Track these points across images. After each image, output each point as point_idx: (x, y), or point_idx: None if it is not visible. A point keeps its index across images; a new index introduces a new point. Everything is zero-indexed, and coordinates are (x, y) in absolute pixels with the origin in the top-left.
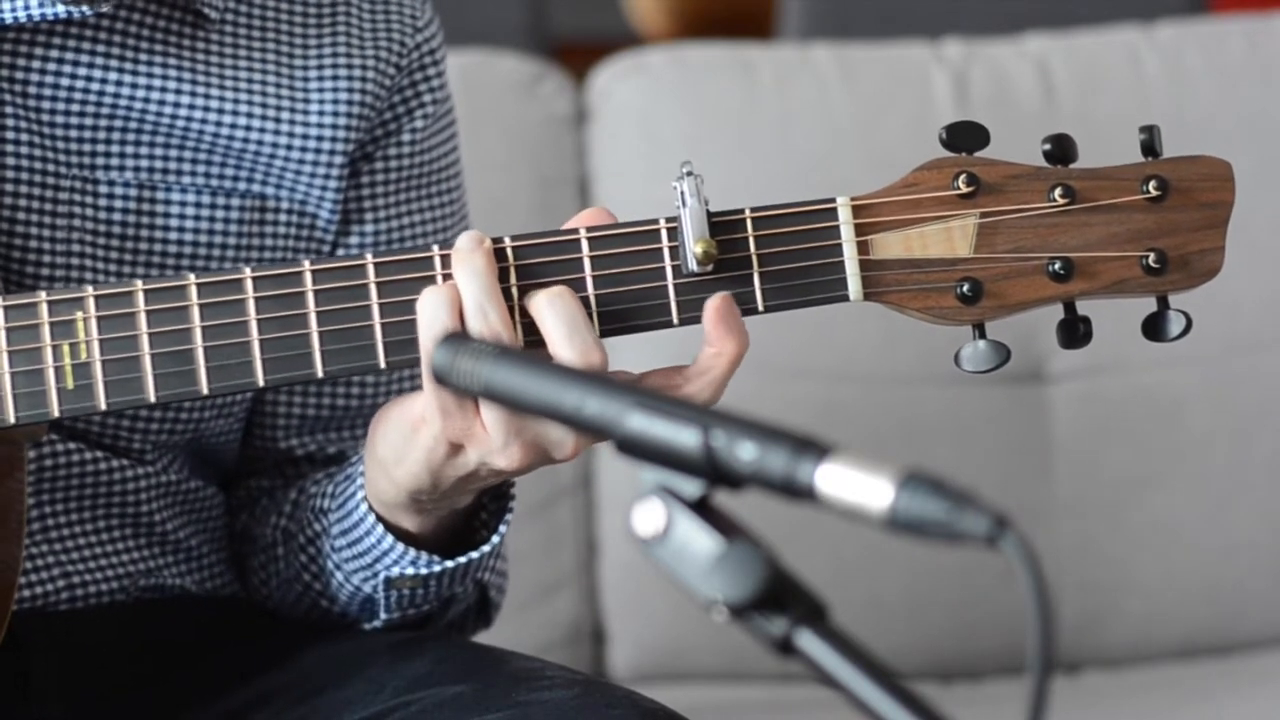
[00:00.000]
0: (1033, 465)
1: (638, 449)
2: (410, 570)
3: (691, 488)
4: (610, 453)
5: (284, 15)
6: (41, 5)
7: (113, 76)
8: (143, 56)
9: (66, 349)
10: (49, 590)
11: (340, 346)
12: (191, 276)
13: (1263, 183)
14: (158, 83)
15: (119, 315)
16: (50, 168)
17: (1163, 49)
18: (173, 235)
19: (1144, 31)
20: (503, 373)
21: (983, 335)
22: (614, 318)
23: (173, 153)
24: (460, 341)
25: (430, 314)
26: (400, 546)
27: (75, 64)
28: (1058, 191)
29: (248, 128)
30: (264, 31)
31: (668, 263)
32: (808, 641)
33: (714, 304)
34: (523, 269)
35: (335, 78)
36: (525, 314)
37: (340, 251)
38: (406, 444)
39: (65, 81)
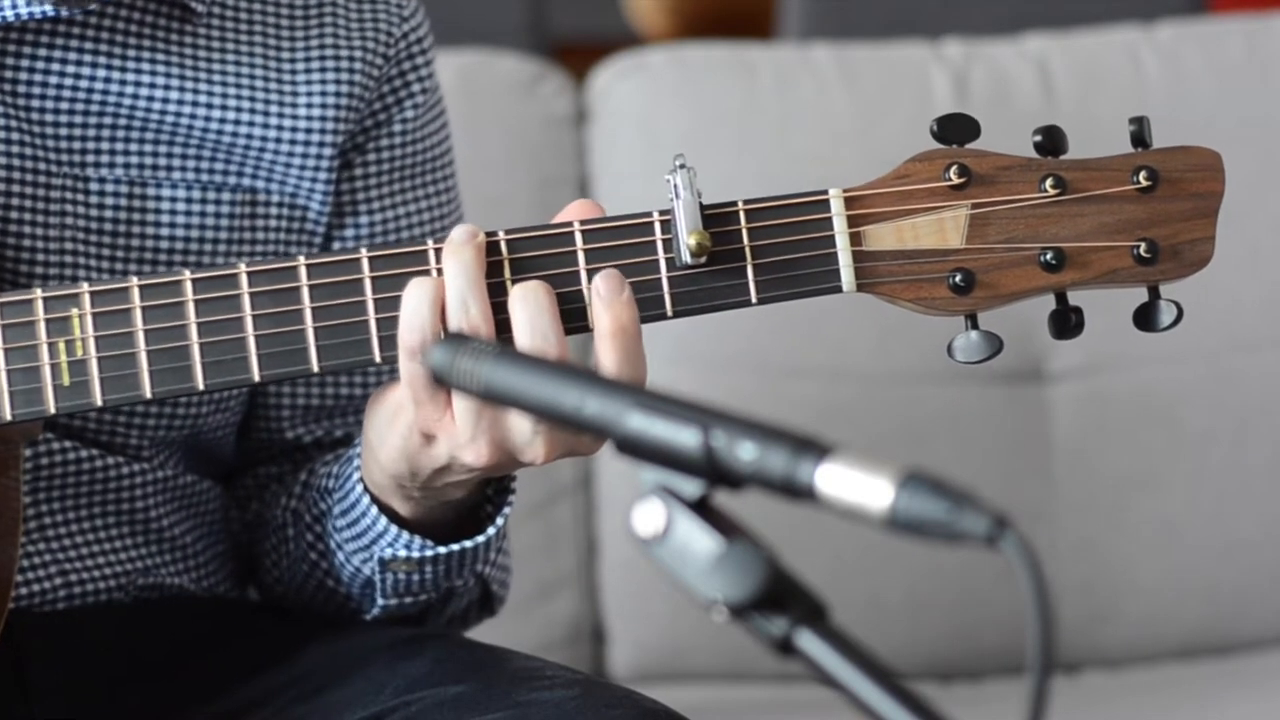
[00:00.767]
0: (1032, 465)
1: (638, 449)
2: (404, 553)
3: (691, 488)
4: (610, 453)
5: (270, 8)
6: (29, 3)
7: (101, 74)
8: (131, 53)
9: (62, 346)
10: (46, 589)
11: (335, 341)
12: (186, 273)
13: (1263, 183)
14: (146, 79)
15: (114, 312)
16: (41, 166)
17: (1163, 49)
18: (164, 231)
19: (1144, 31)
20: (502, 372)
21: (975, 326)
22: None
23: (162, 149)
24: (460, 341)
25: (411, 305)
26: (394, 529)
27: (64, 62)
28: (1049, 182)
29: (236, 122)
30: (250, 25)
31: (661, 255)
32: (808, 641)
33: (596, 281)
34: (516, 262)
35: (323, 70)
36: None
37: (335, 244)
38: (386, 430)
39: (54, 80)
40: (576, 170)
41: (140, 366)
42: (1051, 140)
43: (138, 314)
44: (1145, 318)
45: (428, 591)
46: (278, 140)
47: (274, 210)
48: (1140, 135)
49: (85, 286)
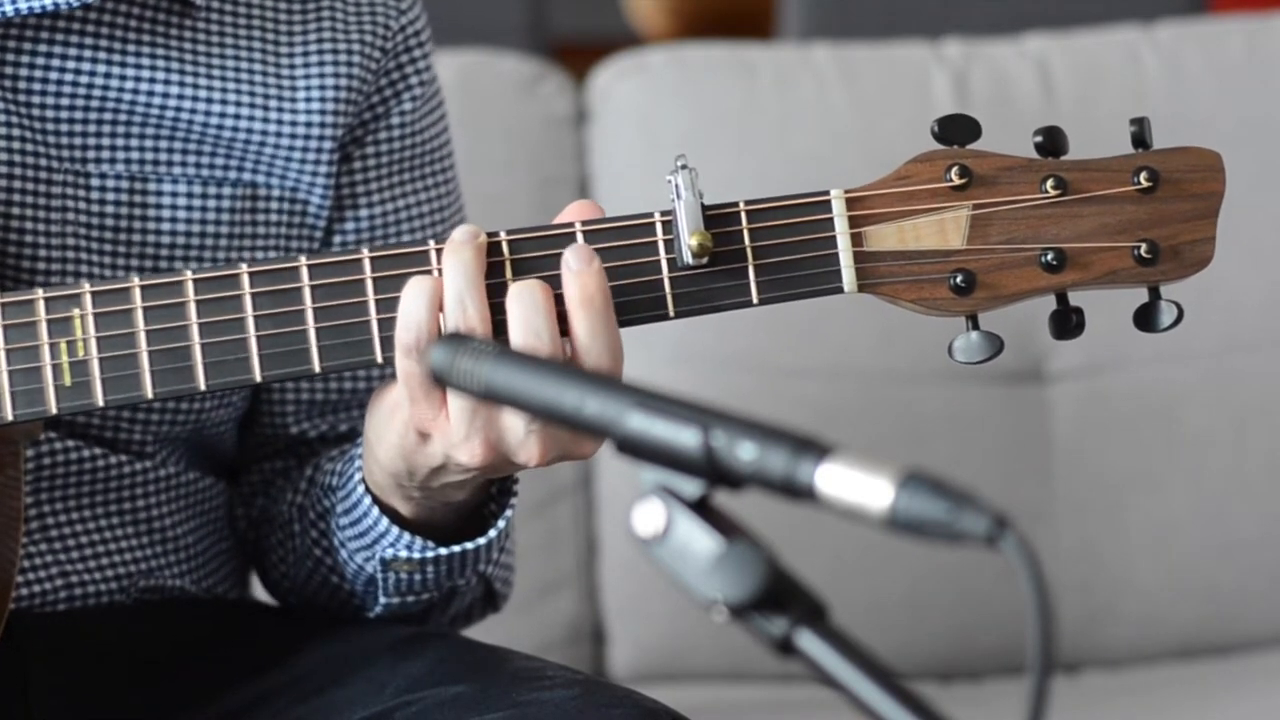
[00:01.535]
0: (1032, 465)
1: (638, 449)
2: (405, 553)
3: (691, 488)
4: (610, 453)
5: (269, 2)
6: None
7: (101, 69)
8: (130, 47)
9: (64, 346)
10: (48, 590)
11: (337, 341)
12: (188, 273)
13: (1263, 183)
14: (146, 74)
15: (116, 312)
16: (43, 162)
17: (1163, 49)
18: (165, 226)
19: (1144, 31)
20: (503, 372)
21: (976, 326)
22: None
23: (163, 144)
24: (460, 341)
25: (409, 303)
26: (395, 529)
27: (64, 57)
28: (1049, 183)
29: (236, 116)
30: (249, 19)
31: (663, 256)
32: (808, 641)
33: (566, 254)
34: (518, 263)
35: (321, 64)
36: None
37: (335, 238)
38: (384, 427)
39: (54, 75)
40: (576, 170)
41: (142, 367)
42: (1052, 141)
43: (139, 314)
44: (1146, 318)
45: (430, 590)
46: (278, 135)
47: (275, 205)
48: (1141, 136)
49: (87, 286)
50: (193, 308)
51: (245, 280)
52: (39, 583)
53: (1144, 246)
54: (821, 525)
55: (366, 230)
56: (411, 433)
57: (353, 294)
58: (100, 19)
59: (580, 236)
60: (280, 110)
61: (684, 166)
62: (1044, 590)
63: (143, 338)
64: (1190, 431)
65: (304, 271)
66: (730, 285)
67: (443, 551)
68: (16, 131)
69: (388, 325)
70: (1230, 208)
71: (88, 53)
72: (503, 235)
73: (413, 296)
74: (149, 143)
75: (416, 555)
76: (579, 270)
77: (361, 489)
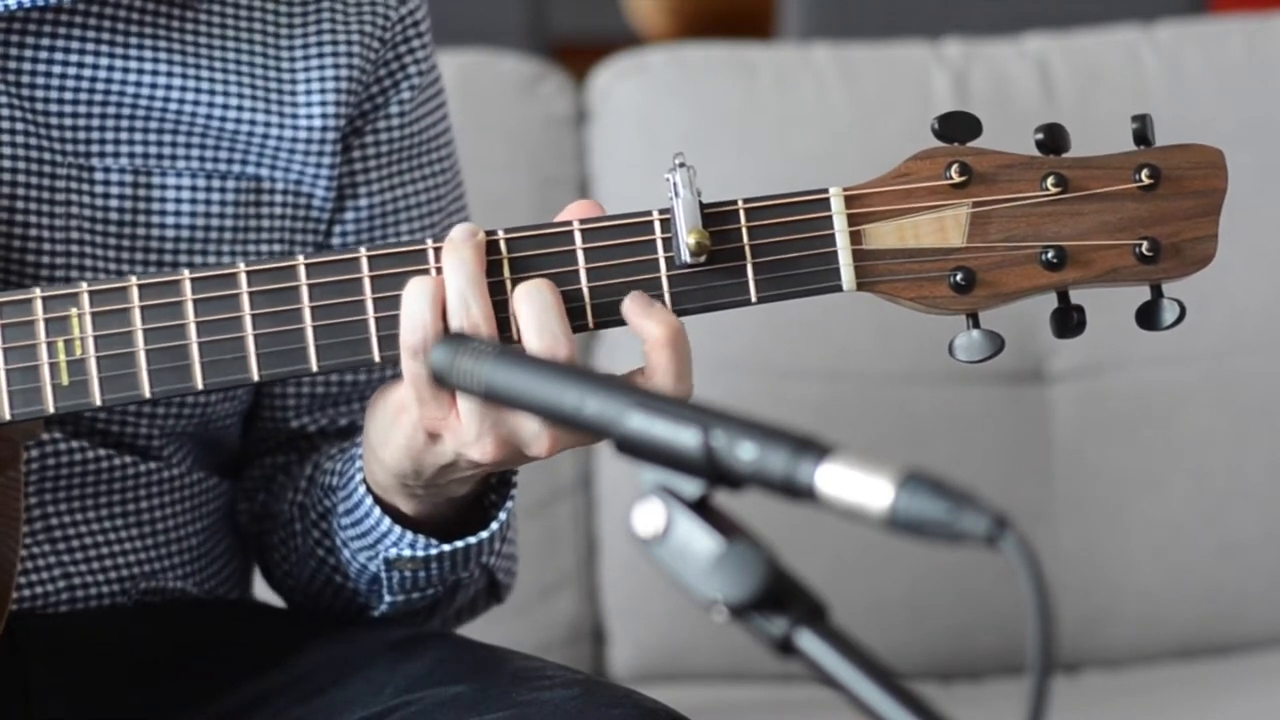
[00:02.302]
0: (1032, 465)
1: (638, 449)
2: (408, 552)
3: (691, 488)
4: (610, 453)
5: None
6: None
7: (104, 62)
8: (133, 41)
9: (61, 345)
10: (49, 590)
11: (334, 340)
12: (185, 272)
13: (1263, 183)
14: (148, 67)
15: (113, 311)
16: (46, 157)
17: (1163, 49)
18: (169, 220)
19: (1144, 31)
20: (503, 372)
21: (976, 325)
22: (607, 310)
23: (166, 138)
24: (460, 341)
25: (412, 304)
26: (397, 529)
27: (66, 51)
28: (1050, 180)
29: (239, 110)
30: (251, 13)
31: (661, 254)
32: (808, 641)
33: (627, 304)
34: (516, 261)
35: (321, 56)
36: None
37: (335, 229)
38: (390, 429)
39: (57, 69)
40: (576, 170)
41: (139, 366)
42: (1053, 138)
43: (136, 313)
44: (1148, 317)
45: (434, 586)
46: (280, 128)
47: (278, 198)
48: (1143, 133)
49: (84, 286)
50: (190, 307)
51: (243, 279)
52: (41, 584)
53: (1145, 244)
54: (821, 525)
55: (365, 221)
56: (420, 434)
57: (350, 293)
58: (103, 13)
59: (578, 235)
60: (282, 104)
61: (682, 165)
62: (1044, 590)
63: (140, 337)
64: (1190, 431)
65: (301, 271)
66: (729, 284)
67: (445, 548)
68: (20, 126)
69: (385, 324)
70: (1231, 208)
71: (90, 47)
72: (500, 234)
73: (415, 297)
74: (152, 137)
75: (420, 553)
76: (653, 311)
77: (363, 489)
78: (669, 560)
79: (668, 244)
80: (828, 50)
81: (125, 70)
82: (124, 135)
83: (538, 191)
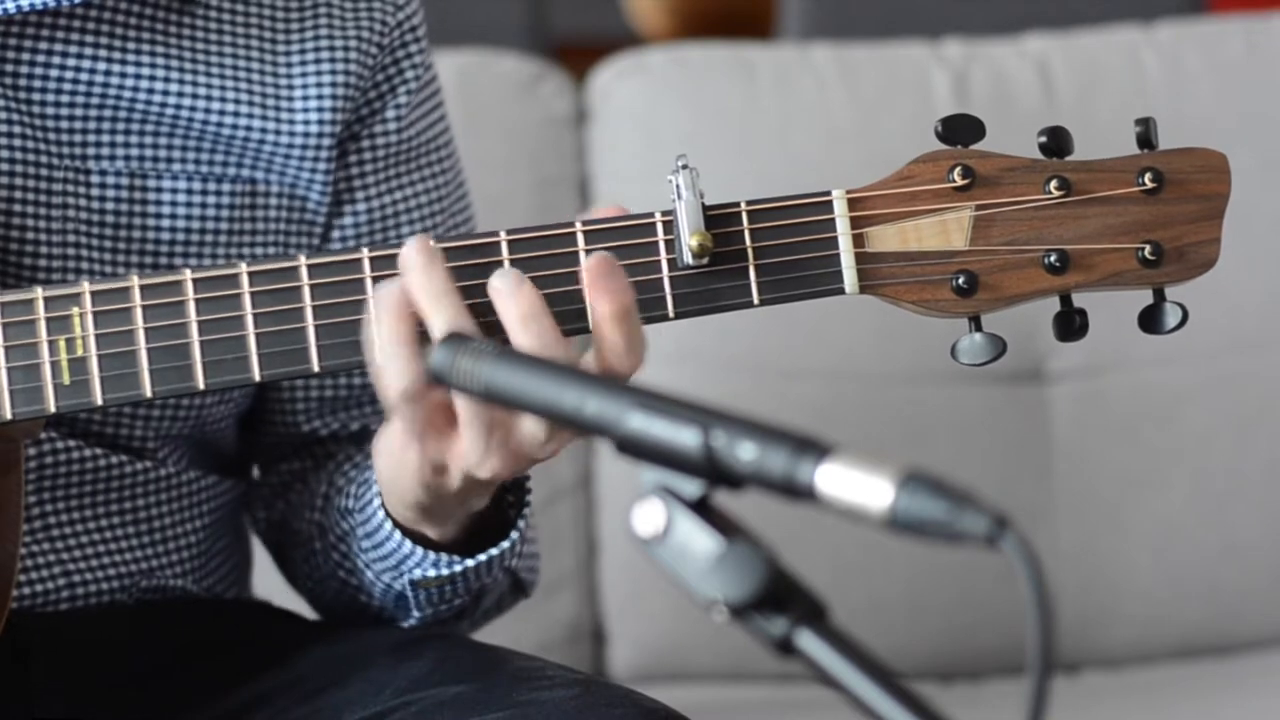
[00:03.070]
0: (1032, 465)
1: (638, 449)
2: (433, 571)
3: (691, 488)
4: (610, 453)
5: (268, 0)
6: None
7: (101, 66)
8: (130, 45)
9: (63, 344)
10: (50, 589)
11: (336, 341)
12: (187, 272)
13: (1263, 182)
14: (146, 71)
15: (115, 310)
16: (44, 159)
17: (1163, 49)
18: (165, 223)
19: (1144, 31)
20: (503, 372)
21: (979, 328)
22: None
23: (162, 140)
24: (460, 341)
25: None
26: (420, 551)
27: (64, 54)
28: (1053, 184)
29: (235, 114)
30: (247, 17)
31: (663, 256)
32: (808, 641)
33: (585, 268)
34: (517, 263)
35: (318, 61)
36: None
37: (334, 232)
38: (398, 468)
39: (55, 73)
40: (576, 170)
41: (140, 365)
42: (1056, 141)
43: (138, 313)
44: (1150, 320)
45: (460, 596)
46: (276, 132)
47: (273, 201)
48: (1146, 136)
49: (86, 285)
50: (192, 306)
51: (244, 279)
52: (41, 582)
53: (1148, 248)
54: (821, 525)
55: (365, 224)
56: (427, 469)
57: (352, 293)
58: (100, 16)
59: (580, 236)
60: (278, 109)
61: (685, 166)
62: (1044, 590)
63: (141, 336)
64: (1190, 431)
65: (303, 271)
66: (731, 286)
67: (469, 563)
68: (18, 129)
69: None
70: (1231, 208)
71: (88, 50)
72: (502, 235)
73: (387, 348)
74: (148, 140)
75: (445, 571)
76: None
77: (381, 514)
78: (669, 560)
79: (670, 245)
80: (828, 50)
81: (123, 74)
82: (120, 138)
83: (537, 191)
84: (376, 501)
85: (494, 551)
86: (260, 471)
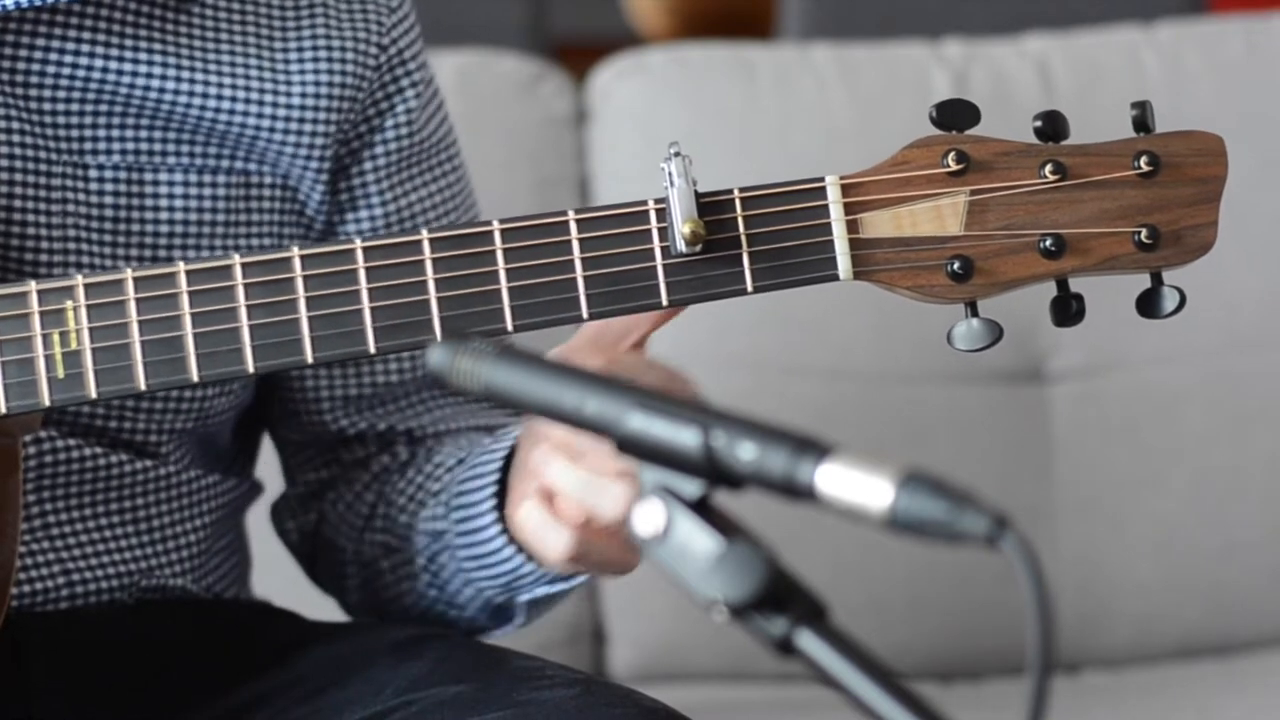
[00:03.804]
0: (1032, 465)
1: (638, 449)
2: (546, 589)
3: (691, 488)
4: None
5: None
6: None
7: (99, 61)
8: (128, 40)
9: (56, 338)
10: (49, 588)
11: (330, 332)
12: (181, 264)
13: (1263, 182)
14: (143, 65)
15: (108, 303)
16: (42, 154)
17: (1163, 49)
18: (163, 216)
19: (1144, 31)
20: (503, 372)
21: (975, 314)
22: (602, 299)
23: (158, 134)
24: (460, 341)
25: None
26: (538, 569)
27: (62, 50)
28: (1049, 168)
29: (231, 109)
30: (244, 13)
31: (656, 244)
32: (808, 641)
33: None
34: (510, 252)
35: (315, 59)
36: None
37: (341, 237)
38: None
39: (52, 68)
40: (576, 170)
41: (134, 358)
42: (1052, 126)
43: (132, 305)
44: (1148, 304)
45: (558, 601)
46: (271, 125)
47: (268, 192)
48: (1143, 120)
49: (80, 278)
50: (185, 299)
51: (238, 271)
52: (40, 580)
53: (1145, 231)
54: (821, 525)
55: (383, 227)
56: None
57: (346, 284)
58: (98, 12)
59: (573, 225)
60: (275, 104)
61: (677, 154)
62: (1044, 590)
63: (135, 329)
64: (1190, 431)
65: (296, 262)
66: (724, 273)
67: (583, 577)
68: (16, 124)
69: (380, 314)
70: (1230, 207)
71: (85, 45)
72: (496, 224)
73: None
74: (144, 133)
75: (560, 587)
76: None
77: (501, 540)
78: (669, 560)
79: (663, 234)
80: (828, 50)
81: (120, 68)
82: (117, 132)
83: (537, 191)
84: (494, 530)
85: None
86: (288, 481)
